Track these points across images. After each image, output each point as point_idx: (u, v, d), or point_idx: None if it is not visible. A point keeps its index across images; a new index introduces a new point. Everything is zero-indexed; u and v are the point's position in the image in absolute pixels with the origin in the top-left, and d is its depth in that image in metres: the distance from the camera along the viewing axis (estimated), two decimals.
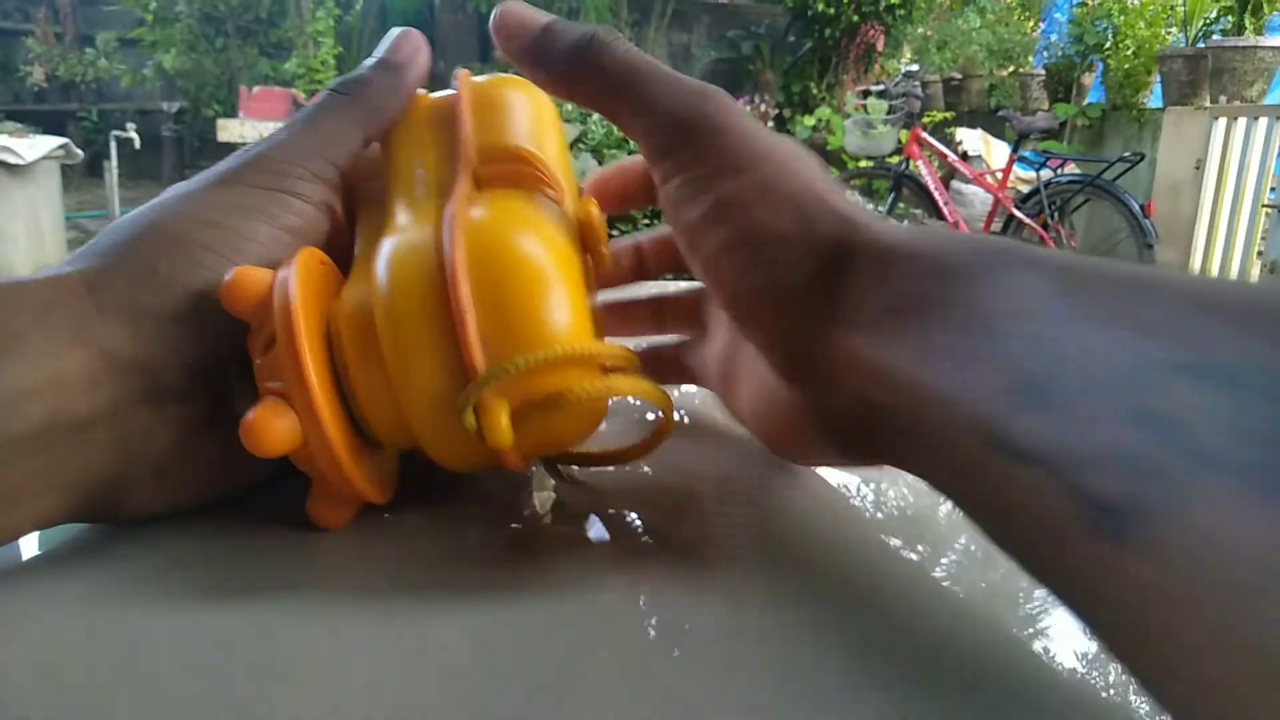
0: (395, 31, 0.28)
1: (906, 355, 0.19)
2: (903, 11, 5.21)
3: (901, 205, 3.83)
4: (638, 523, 0.25)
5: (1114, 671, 0.19)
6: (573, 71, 0.25)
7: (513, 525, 0.25)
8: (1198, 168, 3.39)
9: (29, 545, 0.23)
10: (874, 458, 0.23)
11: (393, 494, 0.25)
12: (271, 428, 0.21)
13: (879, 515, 0.27)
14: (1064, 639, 0.20)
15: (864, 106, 4.33)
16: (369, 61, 0.27)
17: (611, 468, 0.28)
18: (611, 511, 0.26)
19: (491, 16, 0.26)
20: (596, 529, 0.25)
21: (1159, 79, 3.86)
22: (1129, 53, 3.98)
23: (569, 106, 3.36)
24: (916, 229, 0.22)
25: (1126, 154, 3.41)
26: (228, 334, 0.23)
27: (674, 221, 0.24)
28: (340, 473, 0.22)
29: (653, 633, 0.20)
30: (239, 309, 0.22)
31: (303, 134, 0.26)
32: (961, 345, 0.18)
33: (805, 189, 0.22)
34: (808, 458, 0.27)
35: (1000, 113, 4.28)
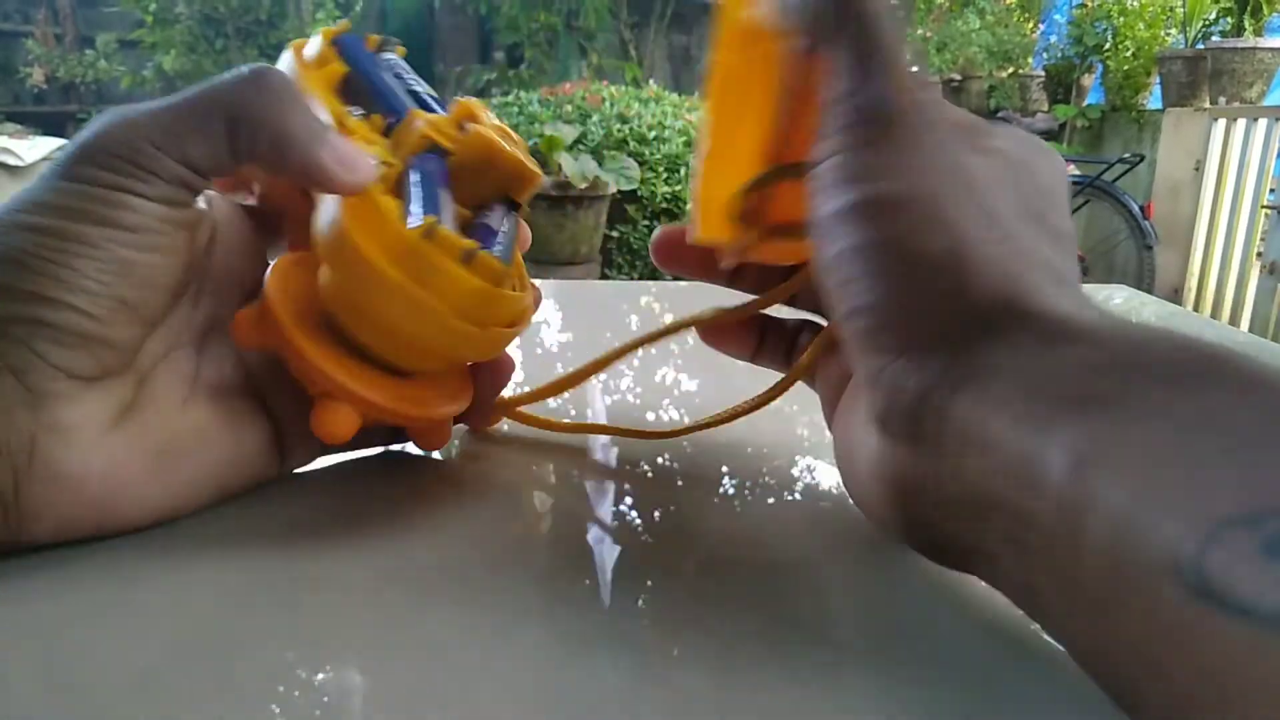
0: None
1: (1063, 453, 0.16)
2: (902, 13, 5.21)
3: None
4: (637, 523, 0.25)
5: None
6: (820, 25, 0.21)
7: (513, 524, 0.25)
8: (1197, 169, 3.39)
9: None
10: (957, 559, 0.20)
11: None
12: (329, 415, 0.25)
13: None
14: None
15: None
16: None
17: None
18: (611, 512, 0.26)
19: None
20: (596, 529, 0.25)
21: (1158, 80, 3.86)
22: (1128, 54, 3.98)
23: (568, 107, 3.36)
24: (1102, 313, 0.18)
25: (1126, 155, 3.41)
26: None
27: (812, 201, 0.21)
28: (297, 352, 0.24)
29: (652, 632, 0.20)
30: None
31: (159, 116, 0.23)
32: (1160, 457, 0.15)
33: (975, 231, 0.19)
34: (884, 526, 0.23)
35: (1000, 114, 4.28)
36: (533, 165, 0.29)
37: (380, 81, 0.28)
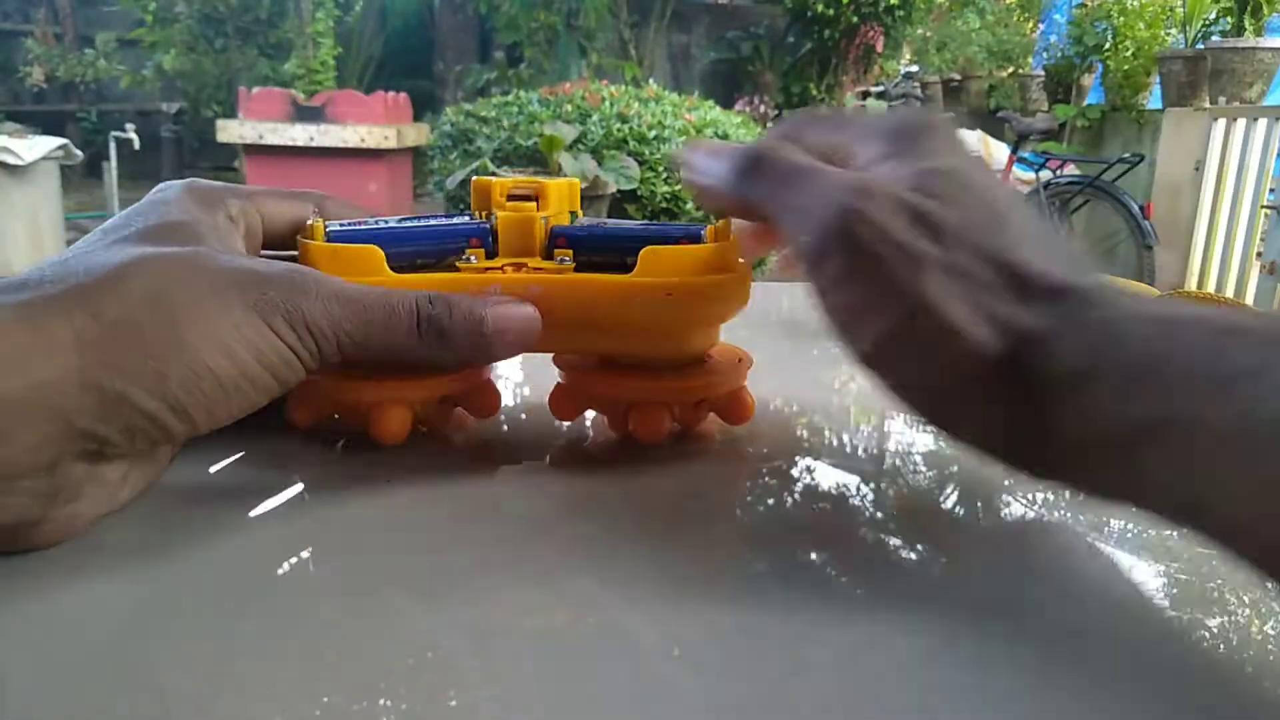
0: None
1: (1185, 492, 0.18)
2: (902, 12, 5.21)
3: None
4: (637, 523, 0.25)
5: (1113, 670, 0.19)
6: (744, 194, 0.25)
7: (512, 524, 0.25)
8: (1197, 169, 3.39)
9: None
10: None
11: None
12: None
13: (879, 515, 0.27)
14: (1063, 638, 0.20)
15: (863, 108, 4.33)
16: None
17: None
18: (610, 511, 0.26)
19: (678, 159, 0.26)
20: (595, 529, 0.25)
21: (1158, 80, 3.86)
22: (1128, 54, 3.98)
23: (568, 106, 3.36)
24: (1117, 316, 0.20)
25: (1126, 155, 3.42)
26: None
27: (824, 309, 0.23)
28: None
29: (652, 631, 0.20)
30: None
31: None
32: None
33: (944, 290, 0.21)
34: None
35: (1000, 114, 4.28)
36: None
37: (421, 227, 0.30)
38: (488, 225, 0.29)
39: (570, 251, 0.29)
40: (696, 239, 0.29)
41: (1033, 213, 0.23)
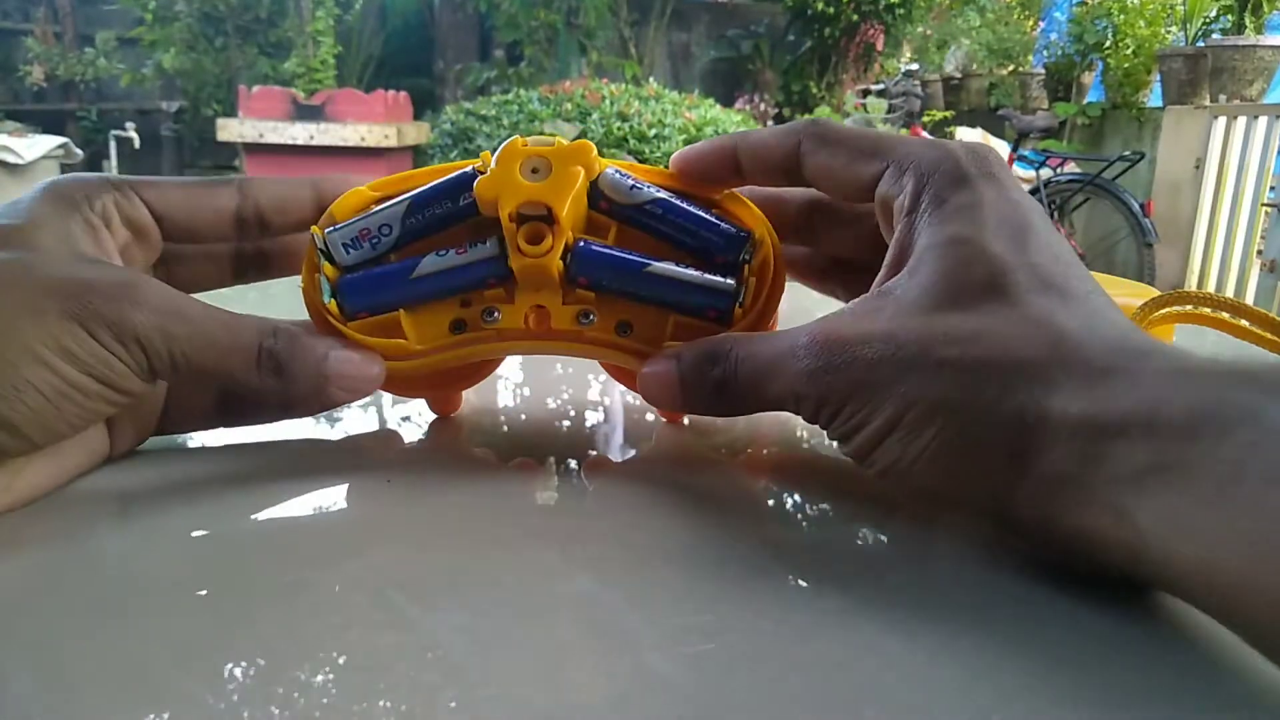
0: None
1: (1183, 530, 0.18)
2: (902, 11, 5.21)
3: None
4: (636, 523, 0.25)
5: (1113, 671, 0.19)
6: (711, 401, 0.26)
7: (512, 524, 0.25)
8: (1197, 167, 3.39)
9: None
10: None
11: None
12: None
13: (878, 515, 0.27)
14: (1063, 638, 0.20)
15: (864, 106, 4.33)
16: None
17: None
18: (610, 512, 0.26)
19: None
20: (593, 528, 0.25)
21: (1159, 78, 3.86)
22: (1129, 52, 3.98)
23: (568, 105, 3.36)
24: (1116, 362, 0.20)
25: (1126, 153, 3.41)
26: None
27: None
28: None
29: (652, 631, 0.20)
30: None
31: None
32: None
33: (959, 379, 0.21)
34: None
35: (1000, 112, 4.29)
36: None
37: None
38: (504, 264, 0.27)
39: (593, 297, 0.28)
40: (740, 244, 0.27)
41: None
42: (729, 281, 0.27)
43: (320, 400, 0.26)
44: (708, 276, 0.27)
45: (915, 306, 0.23)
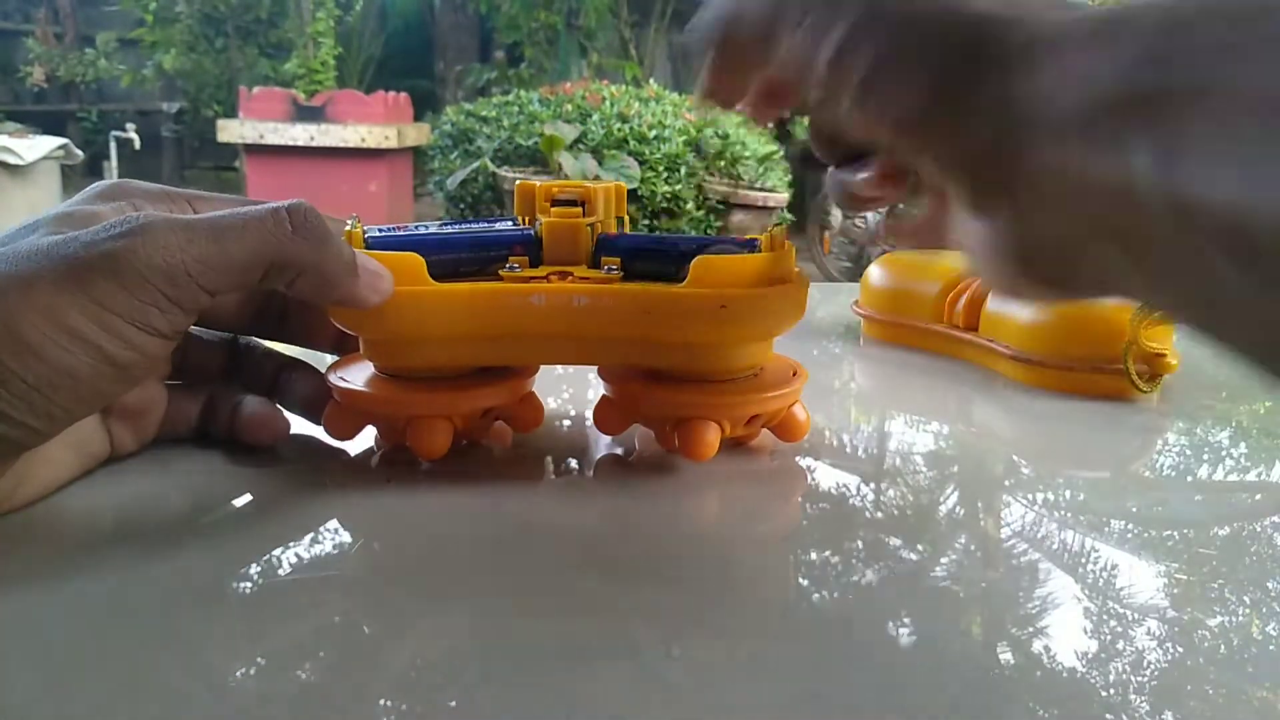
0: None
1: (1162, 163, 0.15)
2: None
3: None
4: (636, 523, 0.25)
5: (1113, 671, 0.19)
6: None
7: (512, 526, 0.25)
8: None
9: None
10: (1086, 288, 0.19)
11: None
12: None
13: (879, 515, 0.27)
14: (1063, 638, 0.20)
15: None
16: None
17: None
18: (609, 512, 0.26)
19: None
20: (593, 529, 0.25)
21: None
22: None
23: (569, 106, 3.36)
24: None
25: None
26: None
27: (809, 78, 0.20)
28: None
29: (652, 631, 0.20)
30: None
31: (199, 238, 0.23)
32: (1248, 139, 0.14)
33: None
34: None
35: None
36: None
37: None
38: (531, 232, 0.28)
39: (618, 260, 0.28)
40: (753, 249, 0.28)
41: None
42: (754, 240, 0.28)
43: (350, 285, 0.25)
44: (735, 236, 0.29)
45: None
